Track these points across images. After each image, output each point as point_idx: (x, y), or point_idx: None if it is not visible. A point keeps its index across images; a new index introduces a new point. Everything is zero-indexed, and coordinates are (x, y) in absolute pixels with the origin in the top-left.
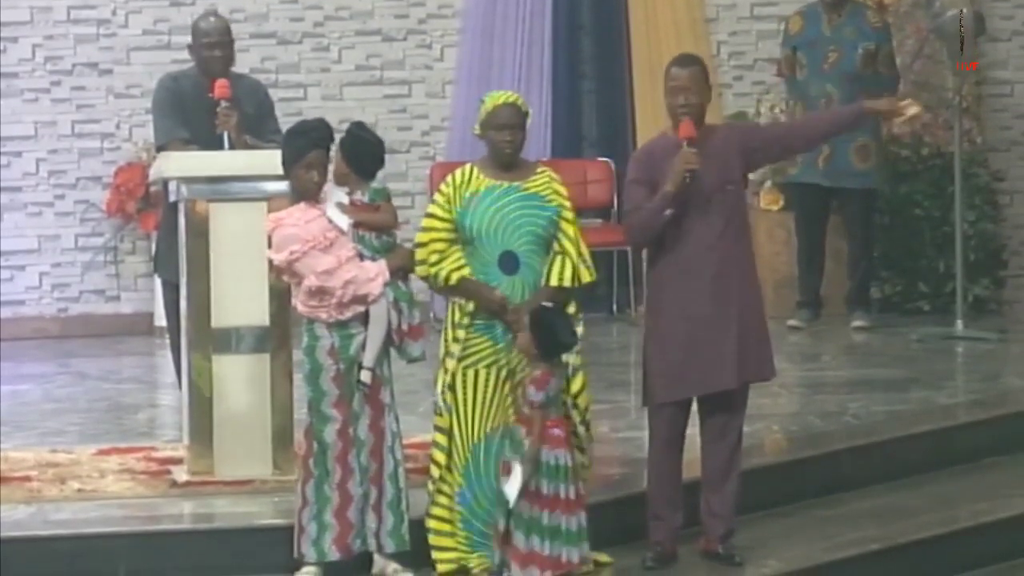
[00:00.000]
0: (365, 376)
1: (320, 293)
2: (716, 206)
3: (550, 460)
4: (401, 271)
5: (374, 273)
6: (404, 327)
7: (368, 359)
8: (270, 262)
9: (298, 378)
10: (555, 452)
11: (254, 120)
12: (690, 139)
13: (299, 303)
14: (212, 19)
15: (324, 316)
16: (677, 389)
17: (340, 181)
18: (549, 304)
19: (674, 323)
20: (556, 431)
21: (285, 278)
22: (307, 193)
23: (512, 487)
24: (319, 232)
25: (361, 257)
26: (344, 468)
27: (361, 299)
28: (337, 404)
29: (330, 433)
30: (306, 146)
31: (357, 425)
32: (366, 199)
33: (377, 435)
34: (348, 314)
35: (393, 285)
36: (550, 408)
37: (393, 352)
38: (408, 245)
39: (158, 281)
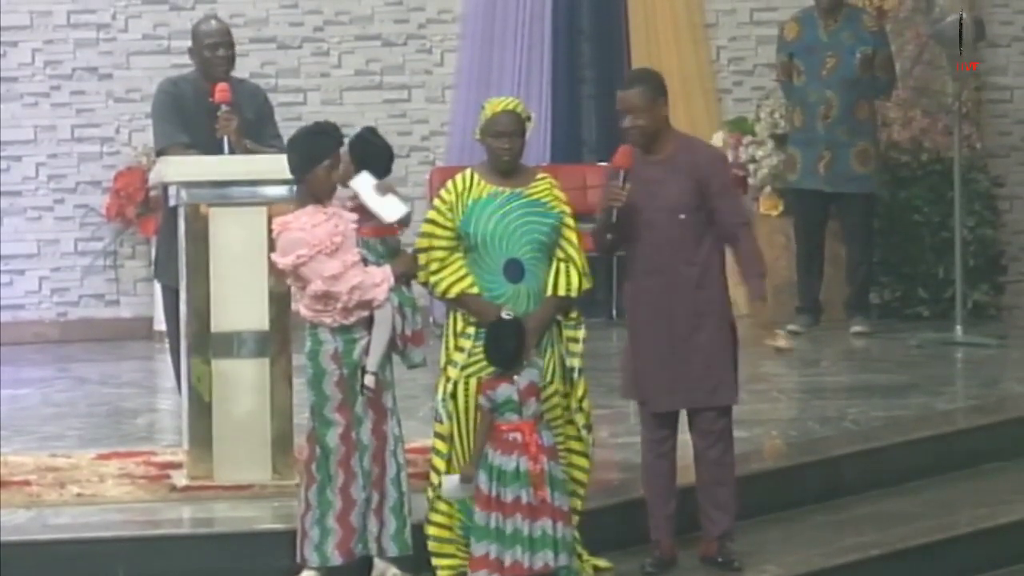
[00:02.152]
0: (369, 380)
1: (325, 298)
2: (667, 231)
3: (506, 465)
4: (405, 276)
5: (379, 278)
6: (408, 332)
7: (372, 363)
8: (274, 265)
9: (299, 382)
10: (511, 457)
11: (254, 125)
12: (623, 169)
13: (303, 307)
14: (214, 22)
15: (328, 321)
16: (632, 391)
17: (346, 184)
18: (510, 316)
19: (633, 335)
20: (513, 436)
21: (290, 282)
22: (324, 194)
23: (447, 481)
24: (325, 236)
25: (365, 262)
26: (347, 472)
27: (366, 304)
28: (340, 408)
29: (332, 437)
30: (331, 146)
31: (360, 429)
32: None
33: (380, 439)
34: (353, 319)
35: (398, 290)
36: (503, 413)
37: (395, 357)
38: (409, 250)
39: (158, 286)
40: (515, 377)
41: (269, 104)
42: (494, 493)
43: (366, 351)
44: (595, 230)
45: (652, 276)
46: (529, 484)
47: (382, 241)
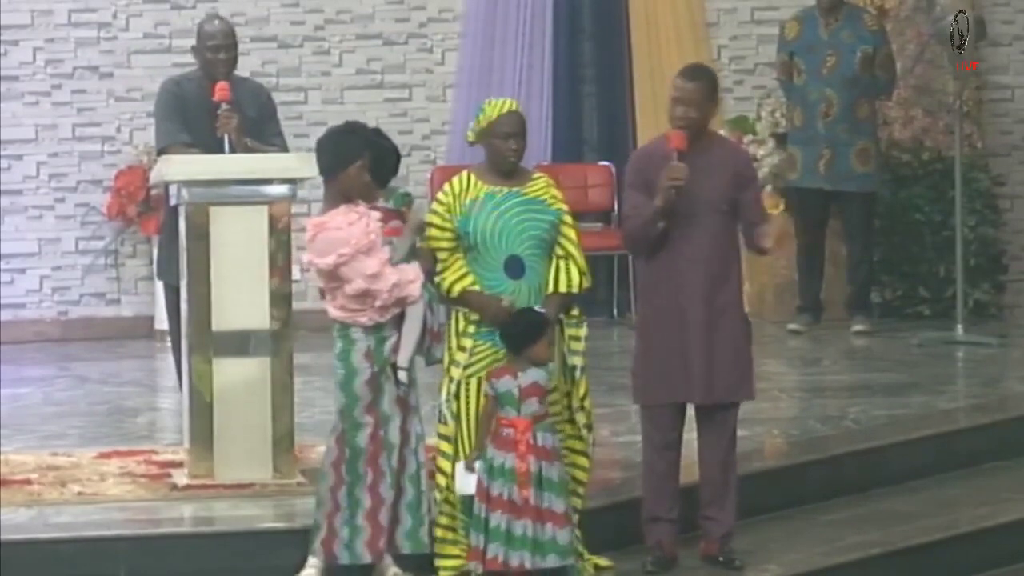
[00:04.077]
0: (403, 376)
1: (364, 296)
2: (705, 221)
3: (495, 460)
4: (429, 274)
5: (413, 275)
6: (435, 328)
7: (403, 359)
8: (309, 267)
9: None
10: (501, 453)
11: (256, 123)
12: (679, 151)
13: (335, 308)
14: (217, 22)
15: (364, 320)
16: (653, 394)
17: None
18: (542, 311)
19: (654, 330)
20: (508, 431)
21: (323, 283)
22: (357, 193)
23: (457, 471)
24: (361, 235)
25: (391, 261)
26: (376, 471)
27: (402, 301)
28: (369, 408)
29: (363, 438)
30: (362, 145)
31: (388, 428)
32: (391, 205)
33: (403, 437)
34: (387, 317)
35: (427, 287)
36: (503, 406)
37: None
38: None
39: (159, 284)
40: (519, 373)
41: (272, 103)
42: (486, 485)
43: (394, 349)
44: (645, 220)
45: (690, 264)
46: (514, 482)
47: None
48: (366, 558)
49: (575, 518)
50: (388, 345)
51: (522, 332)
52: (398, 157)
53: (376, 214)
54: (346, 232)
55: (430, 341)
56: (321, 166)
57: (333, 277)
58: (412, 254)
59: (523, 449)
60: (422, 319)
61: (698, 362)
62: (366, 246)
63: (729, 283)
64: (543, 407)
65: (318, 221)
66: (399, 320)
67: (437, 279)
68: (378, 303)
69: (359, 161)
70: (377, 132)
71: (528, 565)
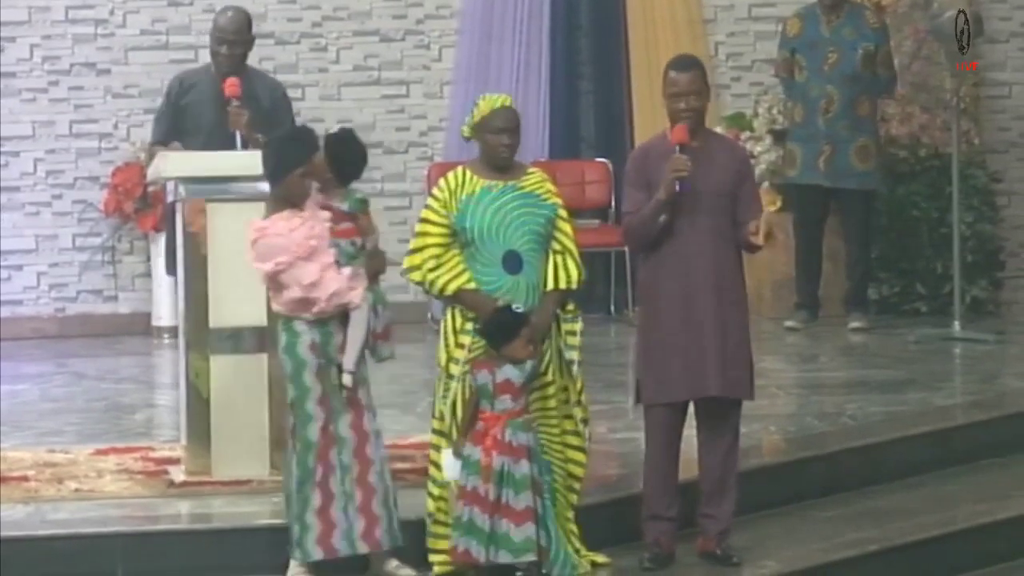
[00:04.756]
0: (347, 380)
1: (302, 302)
2: (708, 213)
3: (465, 451)
4: (376, 276)
5: (354, 282)
6: (379, 330)
7: (349, 362)
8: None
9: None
10: (471, 446)
11: (269, 115)
12: (682, 144)
13: (278, 304)
14: (230, 13)
15: (307, 315)
16: (664, 392)
17: (318, 181)
18: (519, 309)
19: (661, 327)
20: (479, 425)
21: (266, 285)
22: (299, 199)
23: (445, 458)
24: (302, 240)
25: (337, 262)
26: (326, 466)
27: (343, 306)
28: (320, 401)
29: (314, 432)
30: (306, 152)
31: (339, 423)
32: (345, 208)
33: (360, 436)
34: (329, 315)
35: (371, 289)
36: (480, 398)
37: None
38: (405, 247)
39: (156, 281)
40: (495, 369)
41: (287, 100)
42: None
43: (340, 348)
44: (647, 216)
45: (695, 258)
46: (479, 475)
47: (351, 242)
48: (316, 555)
49: (571, 514)
50: (334, 343)
51: (498, 331)
52: (364, 160)
53: (325, 214)
54: (286, 239)
55: (374, 341)
56: (265, 172)
57: (274, 283)
58: (359, 256)
59: (488, 444)
60: (366, 323)
61: (713, 352)
62: (306, 252)
63: (736, 277)
64: (517, 405)
65: (260, 225)
66: (345, 319)
67: (431, 276)
68: (315, 309)
69: (300, 168)
70: (350, 132)
71: (481, 559)
